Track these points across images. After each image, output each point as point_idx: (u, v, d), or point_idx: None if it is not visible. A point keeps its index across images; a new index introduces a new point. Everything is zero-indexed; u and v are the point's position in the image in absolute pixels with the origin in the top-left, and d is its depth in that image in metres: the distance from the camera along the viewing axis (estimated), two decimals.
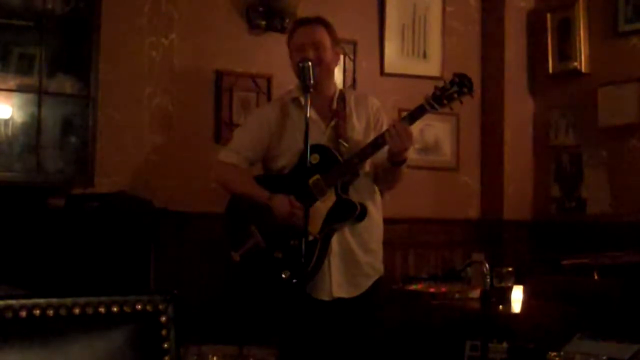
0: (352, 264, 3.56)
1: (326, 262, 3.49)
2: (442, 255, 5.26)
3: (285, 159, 3.59)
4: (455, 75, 3.41)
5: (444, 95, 3.36)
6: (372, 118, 3.68)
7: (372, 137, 3.55)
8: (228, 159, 3.67)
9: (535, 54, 5.37)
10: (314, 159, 3.41)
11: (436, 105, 3.37)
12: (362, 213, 3.52)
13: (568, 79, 5.17)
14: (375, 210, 3.67)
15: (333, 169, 3.45)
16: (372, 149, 3.44)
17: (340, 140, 3.55)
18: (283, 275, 3.39)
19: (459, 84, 3.37)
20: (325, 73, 3.59)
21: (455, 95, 3.37)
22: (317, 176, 3.43)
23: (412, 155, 5.17)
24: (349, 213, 3.50)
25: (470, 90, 3.38)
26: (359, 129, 3.63)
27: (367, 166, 3.62)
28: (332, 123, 3.60)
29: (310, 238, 3.33)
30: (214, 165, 3.79)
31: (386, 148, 3.43)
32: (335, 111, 3.62)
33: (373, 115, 3.69)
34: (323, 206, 3.45)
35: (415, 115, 3.41)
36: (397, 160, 3.45)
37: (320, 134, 3.53)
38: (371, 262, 3.64)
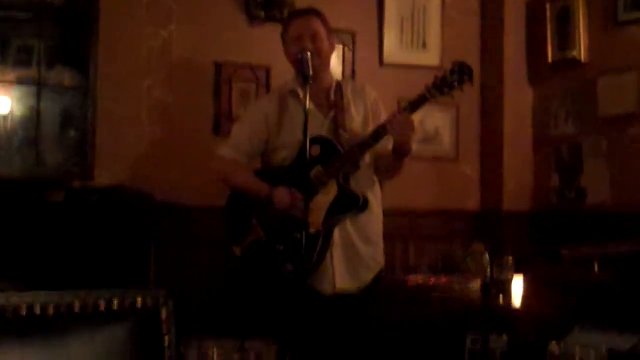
0: (354, 256, 3.57)
1: (328, 254, 3.49)
2: (442, 246, 5.25)
3: (285, 152, 3.58)
4: (455, 63, 3.41)
5: (445, 83, 3.37)
6: (370, 108, 3.68)
7: (371, 127, 3.54)
8: (227, 154, 3.67)
9: (535, 44, 5.35)
10: (315, 150, 3.40)
11: (437, 94, 3.37)
12: (364, 204, 3.52)
13: (567, 68, 5.15)
14: (376, 201, 3.67)
15: (334, 160, 3.45)
16: (373, 139, 3.44)
17: (340, 131, 3.54)
18: (288, 268, 3.39)
19: (459, 72, 3.37)
20: (323, 64, 3.59)
21: (456, 84, 3.37)
22: (318, 167, 3.42)
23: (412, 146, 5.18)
24: (351, 204, 3.50)
25: (470, 78, 3.38)
26: (358, 120, 3.63)
27: (368, 157, 3.62)
28: (331, 114, 3.59)
29: (313, 230, 3.33)
30: (213, 161, 3.78)
31: (386, 138, 3.42)
32: (333, 102, 3.62)
33: (371, 105, 3.69)
34: (325, 198, 3.45)
35: (416, 104, 3.41)
36: (402, 151, 3.45)
37: (319, 126, 3.52)
38: (372, 254, 3.64)
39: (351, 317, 3.54)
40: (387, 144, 3.50)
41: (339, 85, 3.70)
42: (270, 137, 3.63)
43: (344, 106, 3.62)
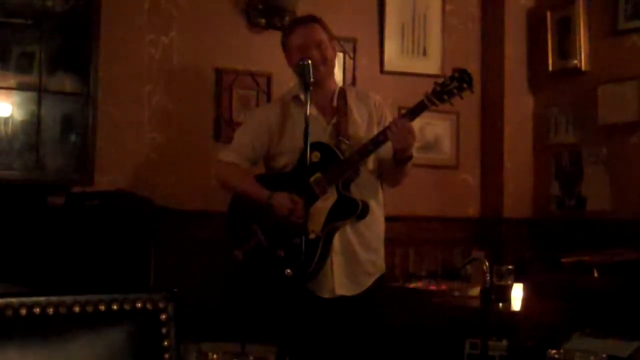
0: (354, 262, 3.56)
1: (328, 260, 3.49)
2: (442, 253, 5.26)
3: (286, 158, 3.58)
4: (454, 70, 3.41)
5: (444, 91, 3.36)
6: (374, 114, 3.68)
7: (374, 133, 3.54)
8: (228, 159, 3.67)
9: (535, 52, 5.37)
10: (315, 156, 3.40)
11: (436, 101, 3.37)
12: (363, 211, 3.51)
13: (568, 76, 5.17)
14: (378, 208, 3.67)
15: (334, 167, 3.45)
16: (373, 145, 3.43)
17: (341, 138, 3.54)
18: (287, 272, 3.39)
19: (459, 79, 3.36)
20: (329, 71, 3.60)
21: (455, 91, 3.36)
22: (318, 174, 3.42)
23: (413, 152, 5.17)
24: (350, 211, 3.50)
25: (470, 85, 3.37)
26: (361, 126, 3.63)
27: (371, 164, 3.62)
28: (334, 120, 3.60)
29: (313, 236, 3.34)
30: (214, 165, 3.79)
31: (390, 145, 3.42)
32: (336, 108, 3.62)
33: (375, 110, 3.69)
34: (324, 204, 3.44)
35: (415, 111, 3.41)
36: (402, 158, 3.44)
37: (322, 131, 3.52)
38: (373, 260, 3.64)
39: (351, 320, 3.54)
40: (390, 150, 3.49)
41: (342, 91, 3.70)
42: (272, 143, 3.63)
43: (346, 112, 3.63)
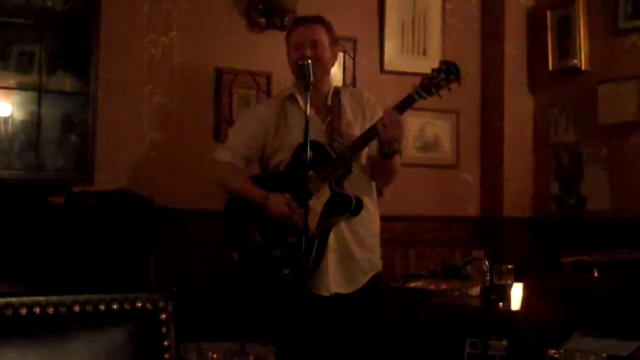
0: (349, 259, 3.57)
1: (324, 258, 3.49)
2: (442, 252, 5.26)
3: (281, 156, 3.60)
4: (442, 62, 3.42)
5: (432, 83, 3.37)
6: (367, 113, 3.69)
7: None
8: (224, 158, 3.68)
9: (535, 52, 5.37)
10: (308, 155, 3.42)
11: (424, 94, 3.38)
12: (357, 207, 3.52)
13: (568, 76, 5.17)
14: (372, 205, 3.68)
15: (326, 164, 3.45)
16: (364, 141, 3.45)
17: (335, 136, 3.55)
18: (284, 272, 3.40)
19: (446, 71, 3.37)
20: (322, 71, 3.61)
21: (443, 83, 3.38)
22: (311, 172, 3.43)
23: (412, 152, 5.18)
24: (344, 207, 3.51)
25: (457, 77, 3.38)
26: (354, 125, 3.64)
27: (364, 161, 3.63)
28: (328, 119, 3.61)
29: (309, 234, 3.34)
30: (210, 165, 3.79)
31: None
32: (330, 108, 3.64)
33: (369, 110, 3.70)
34: (318, 202, 3.45)
35: (403, 105, 3.42)
36: (387, 151, 3.45)
37: (316, 131, 3.53)
38: (368, 257, 3.64)
39: (347, 318, 3.54)
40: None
41: (336, 91, 3.72)
42: (267, 142, 3.64)
43: (340, 112, 3.64)
